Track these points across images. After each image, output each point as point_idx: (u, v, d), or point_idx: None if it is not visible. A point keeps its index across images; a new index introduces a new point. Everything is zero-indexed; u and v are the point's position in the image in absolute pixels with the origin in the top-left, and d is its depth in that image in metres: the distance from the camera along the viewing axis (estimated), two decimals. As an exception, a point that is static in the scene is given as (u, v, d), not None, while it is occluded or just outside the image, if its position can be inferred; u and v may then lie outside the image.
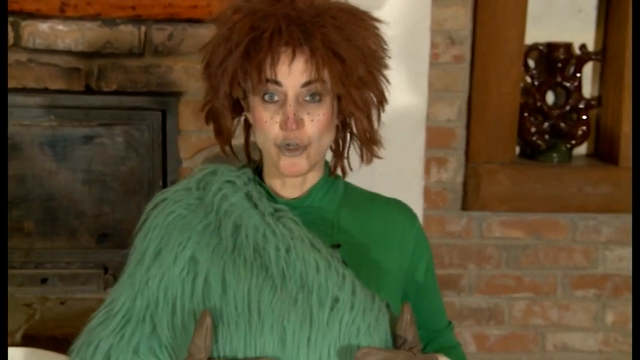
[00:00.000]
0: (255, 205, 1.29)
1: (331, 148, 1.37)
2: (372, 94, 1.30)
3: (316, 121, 1.24)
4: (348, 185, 1.41)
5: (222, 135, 1.35)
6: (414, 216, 1.41)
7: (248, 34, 1.21)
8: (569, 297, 2.59)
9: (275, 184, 1.33)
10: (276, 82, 1.22)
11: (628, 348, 2.61)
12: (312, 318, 1.19)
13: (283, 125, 1.22)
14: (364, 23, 1.28)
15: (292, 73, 1.22)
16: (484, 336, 2.56)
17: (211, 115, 1.34)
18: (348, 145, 1.37)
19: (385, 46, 1.31)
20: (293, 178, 1.31)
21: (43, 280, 2.27)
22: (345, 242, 1.31)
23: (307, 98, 1.23)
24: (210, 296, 1.23)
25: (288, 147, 1.23)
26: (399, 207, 1.41)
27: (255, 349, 1.18)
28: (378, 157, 1.36)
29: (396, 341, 1.19)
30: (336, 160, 1.38)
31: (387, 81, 1.32)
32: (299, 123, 1.22)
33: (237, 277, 1.23)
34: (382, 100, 1.32)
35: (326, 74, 1.22)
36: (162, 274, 1.27)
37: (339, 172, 1.39)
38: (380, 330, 1.21)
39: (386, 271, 1.33)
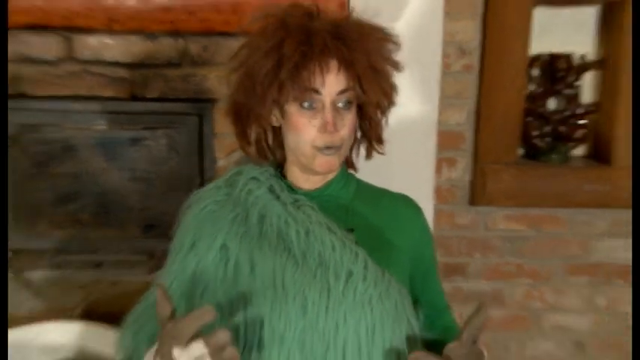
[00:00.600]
0: (277, 197, 1.28)
1: None
2: (384, 98, 1.29)
3: (347, 125, 1.23)
4: (359, 181, 1.39)
5: (245, 137, 1.32)
6: (419, 209, 1.39)
7: (297, 49, 1.18)
8: (565, 283, 2.45)
9: (297, 179, 1.31)
10: (317, 91, 1.20)
11: (616, 328, 2.47)
12: (330, 289, 1.20)
13: (323, 129, 1.20)
14: (378, 32, 1.26)
15: (330, 82, 1.20)
16: (488, 317, 2.47)
17: (245, 117, 1.28)
18: (358, 144, 1.37)
19: (397, 62, 1.29)
20: (315, 175, 1.30)
21: (97, 265, 2.22)
22: (358, 227, 1.29)
23: (340, 105, 1.22)
24: (239, 276, 1.23)
25: (327, 148, 1.22)
26: (405, 201, 1.38)
27: (280, 316, 1.18)
28: (382, 154, 1.35)
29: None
30: (348, 157, 1.38)
31: (397, 91, 1.31)
32: (335, 126, 1.21)
33: (263, 258, 1.23)
34: (390, 102, 1.31)
35: (352, 80, 1.21)
36: (197, 262, 1.27)
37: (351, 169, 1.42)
38: (390, 298, 1.21)
39: (395, 253, 1.31)
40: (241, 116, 1.28)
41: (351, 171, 1.39)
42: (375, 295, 1.20)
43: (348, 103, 1.22)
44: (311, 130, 1.21)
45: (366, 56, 1.21)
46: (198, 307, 1.16)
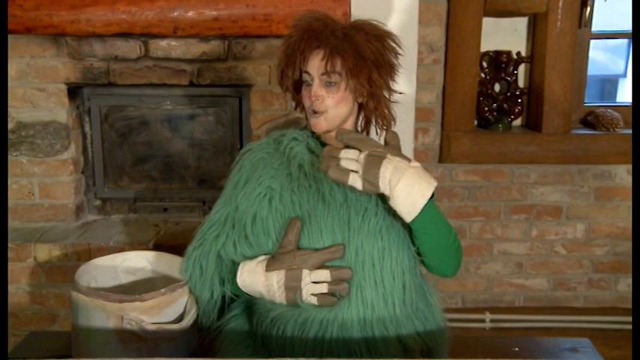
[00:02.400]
0: (312, 152, 1.31)
1: (362, 125, 1.37)
2: (375, 85, 1.27)
3: (332, 97, 1.25)
4: None
5: (293, 96, 1.37)
6: None
7: (293, 40, 1.27)
8: (509, 220, 2.63)
9: (324, 137, 1.32)
10: (308, 72, 1.26)
11: (545, 252, 2.65)
12: (350, 222, 1.23)
13: (310, 97, 1.26)
14: (370, 33, 1.26)
15: (315, 65, 1.25)
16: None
17: (285, 88, 1.35)
18: (371, 121, 1.37)
19: (391, 51, 1.28)
20: (329, 136, 1.30)
21: (165, 210, 2.31)
22: None
23: (326, 83, 1.25)
24: (284, 211, 1.26)
25: (313, 111, 1.26)
26: None
27: (316, 243, 1.22)
28: (387, 129, 1.33)
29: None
30: (365, 127, 1.38)
31: (392, 76, 1.30)
32: (317, 97, 1.24)
33: (301, 197, 1.26)
34: (389, 90, 1.31)
35: (338, 66, 1.23)
36: (248, 195, 1.29)
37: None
38: (395, 228, 1.24)
39: None
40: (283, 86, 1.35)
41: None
42: (384, 226, 1.22)
43: (332, 82, 1.24)
44: (306, 99, 1.27)
45: (348, 47, 1.22)
46: (252, 234, 1.26)
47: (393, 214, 1.23)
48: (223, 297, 1.35)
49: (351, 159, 1.15)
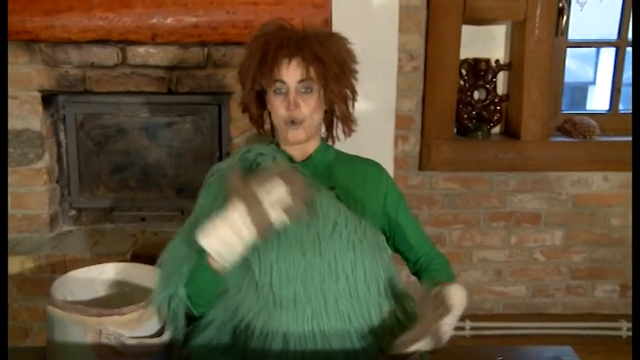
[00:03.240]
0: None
1: (326, 127, 1.39)
2: (346, 89, 1.31)
3: (308, 105, 1.26)
4: (337, 151, 1.41)
5: (254, 120, 1.39)
6: (382, 168, 1.41)
7: (262, 48, 1.25)
8: (488, 227, 2.64)
9: (287, 150, 1.34)
10: (282, 81, 1.26)
11: (524, 259, 2.67)
12: (320, 236, 1.22)
13: (287, 107, 1.25)
14: (337, 40, 1.31)
15: (291, 74, 1.25)
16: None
17: (244, 108, 1.37)
18: (335, 124, 1.39)
19: (354, 56, 1.33)
20: (298, 147, 1.32)
21: (142, 219, 2.28)
22: (337, 185, 1.32)
23: (302, 90, 1.26)
24: None
25: (291, 122, 1.26)
26: (372, 163, 1.41)
27: (285, 258, 1.21)
28: (354, 131, 1.37)
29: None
30: (328, 133, 1.40)
31: (356, 79, 1.33)
32: (297, 105, 1.25)
33: None
34: (354, 92, 1.34)
35: (312, 73, 1.24)
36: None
37: (330, 142, 1.42)
38: (367, 239, 1.24)
39: (367, 204, 1.33)
40: (242, 105, 1.36)
41: (330, 142, 1.41)
42: (356, 238, 1.22)
43: (308, 88, 1.25)
44: (281, 109, 1.26)
45: (313, 52, 1.24)
46: None
47: (364, 225, 1.25)
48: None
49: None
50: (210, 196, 1.31)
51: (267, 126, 1.44)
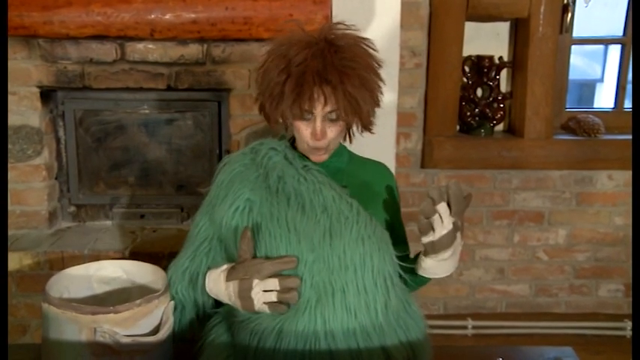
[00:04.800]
0: (291, 163, 1.31)
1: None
2: (373, 113, 1.30)
3: (334, 131, 1.26)
4: (351, 153, 1.43)
5: (270, 122, 1.34)
6: (392, 173, 1.45)
7: (294, 86, 1.21)
8: (491, 225, 2.64)
9: (304, 151, 1.33)
10: (311, 112, 1.24)
11: (527, 257, 2.66)
12: (332, 230, 1.23)
13: (313, 136, 1.25)
14: (370, 63, 1.26)
15: (319, 106, 1.22)
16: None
17: (263, 113, 1.33)
18: (351, 131, 1.38)
19: (381, 79, 1.28)
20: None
21: (142, 216, 2.28)
22: (350, 184, 1.33)
23: (330, 118, 1.25)
24: (262, 223, 1.26)
25: (316, 149, 1.27)
26: (384, 168, 1.44)
27: (294, 253, 1.23)
28: (373, 133, 1.35)
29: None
30: (346, 134, 1.38)
31: (382, 93, 1.30)
32: (323, 134, 1.25)
33: (280, 209, 1.26)
34: (378, 105, 1.31)
35: (343, 111, 1.22)
36: (228, 210, 1.29)
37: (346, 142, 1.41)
38: (377, 235, 1.24)
39: (376, 205, 1.36)
40: (261, 109, 1.33)
41: (348, 142, 1.41)
42: (365, 233, 1.23)
43: (334, 116, 1.24)
44: (306, 133, 1.26)
45: (345, 89, 1.20)
46: (233, 248, 1.27)
47: (374, 222, 1.26)
48: (203, 309, 1.37)
49: (444, 218, 1.18)
50: (222, 193, 1.32)
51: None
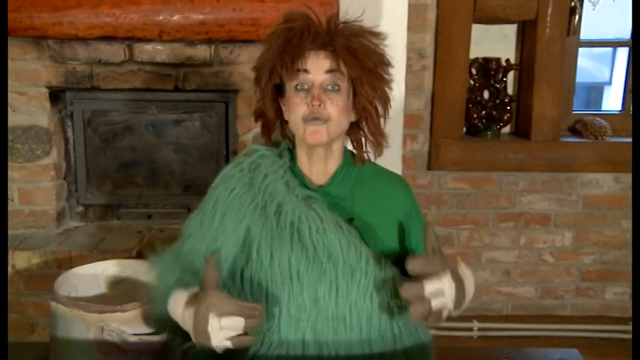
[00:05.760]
0: (292, 191, 1.16)
1: (353, 145, 1.20)
2: (380, 95, 1.13)
3: (335, 105, 1.09)
4: (359, 168, 1.20)
5: (267, 129, 1.21)
6: (410, 191, 1.24)
7: (284, 35, 1.09)
8: (497, 227, 2.63)
9: (304, 168, 1.17)
10: (306, 71, 1.08)
11: (533, 260, 2.66)
12: (338, 284, 1.12)
13: (309, 103, 1.08)
14: (375, 36, 1.12)
15: (318, 64, 1.09)
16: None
17: (259, 113, 1.19)
18: (364, 143, 1.19)
19: (389, 62, 1.14)
20: (317, 165, 1.16)
21: (149, 216, 2.28)
22: (357, 214, 1.17)
23: (329, 87, 1.09)
24: (261, 262, 1.14)
25: (312, 118, 1.08)
26: (400, 182, 1.24)
27: (296, 303, 1.12)
28: (385, 147, 1.17)
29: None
30: (358, 152, 1.20)
31: (390, 88, 1.15)
32: (322, 101, 1.08)
33: (281, 249, 1.13)
34: (387, 103, 1.15)
35: (343, 67, 1.08)
36: (226, 239, 1.15)
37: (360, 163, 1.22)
38: (386, 288, 1.14)
39: (390, 228, 1.19)
40: (256, 112, 1.19)
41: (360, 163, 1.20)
42: (374, 288, 1.13)
43: (336, 86, 1.09)
44: (302, 107, 1.09)
45: (346, 43, 1.08)
46: (232, 282, 1.14)
47: (384, 273, 1.14)
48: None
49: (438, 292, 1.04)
50: (219, 213, 1.17)
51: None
